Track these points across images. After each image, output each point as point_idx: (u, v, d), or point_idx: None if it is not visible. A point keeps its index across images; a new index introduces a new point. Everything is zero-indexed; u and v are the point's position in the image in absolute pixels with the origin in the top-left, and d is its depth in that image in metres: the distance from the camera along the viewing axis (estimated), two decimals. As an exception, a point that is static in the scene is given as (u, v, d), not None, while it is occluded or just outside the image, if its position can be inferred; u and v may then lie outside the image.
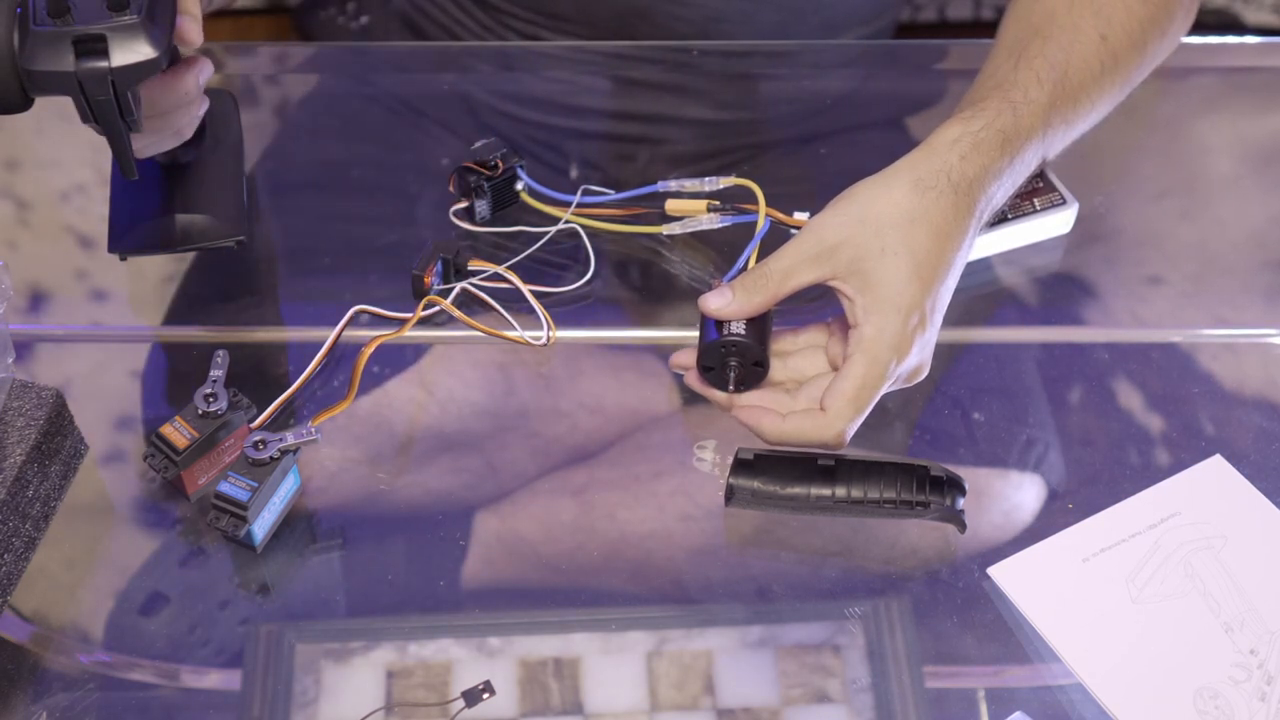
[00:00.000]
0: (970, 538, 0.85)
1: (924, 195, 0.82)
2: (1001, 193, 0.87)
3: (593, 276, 0.96)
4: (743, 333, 0.83)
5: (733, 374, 0.83)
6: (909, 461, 0.83)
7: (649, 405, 0.92)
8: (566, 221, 0.97)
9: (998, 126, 0.86)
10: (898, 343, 0.80)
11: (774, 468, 0.83)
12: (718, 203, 0.97)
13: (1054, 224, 0.99)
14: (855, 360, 0.80)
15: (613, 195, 0.98)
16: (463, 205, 0.98)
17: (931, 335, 0.83)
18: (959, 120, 0.86)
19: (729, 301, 0.82)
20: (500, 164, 0.97)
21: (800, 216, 0.96)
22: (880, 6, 1.20)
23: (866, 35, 1.20)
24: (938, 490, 0.82)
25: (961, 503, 0.83)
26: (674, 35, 1.14)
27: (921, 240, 0.82)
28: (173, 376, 0.94)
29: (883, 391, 0.81)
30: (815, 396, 0.83)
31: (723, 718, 0.79)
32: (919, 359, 0.83)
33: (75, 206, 1.05)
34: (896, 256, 0.81)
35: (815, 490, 0.83)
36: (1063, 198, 0.98)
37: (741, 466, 0.83)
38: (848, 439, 0.81)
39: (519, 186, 0.98)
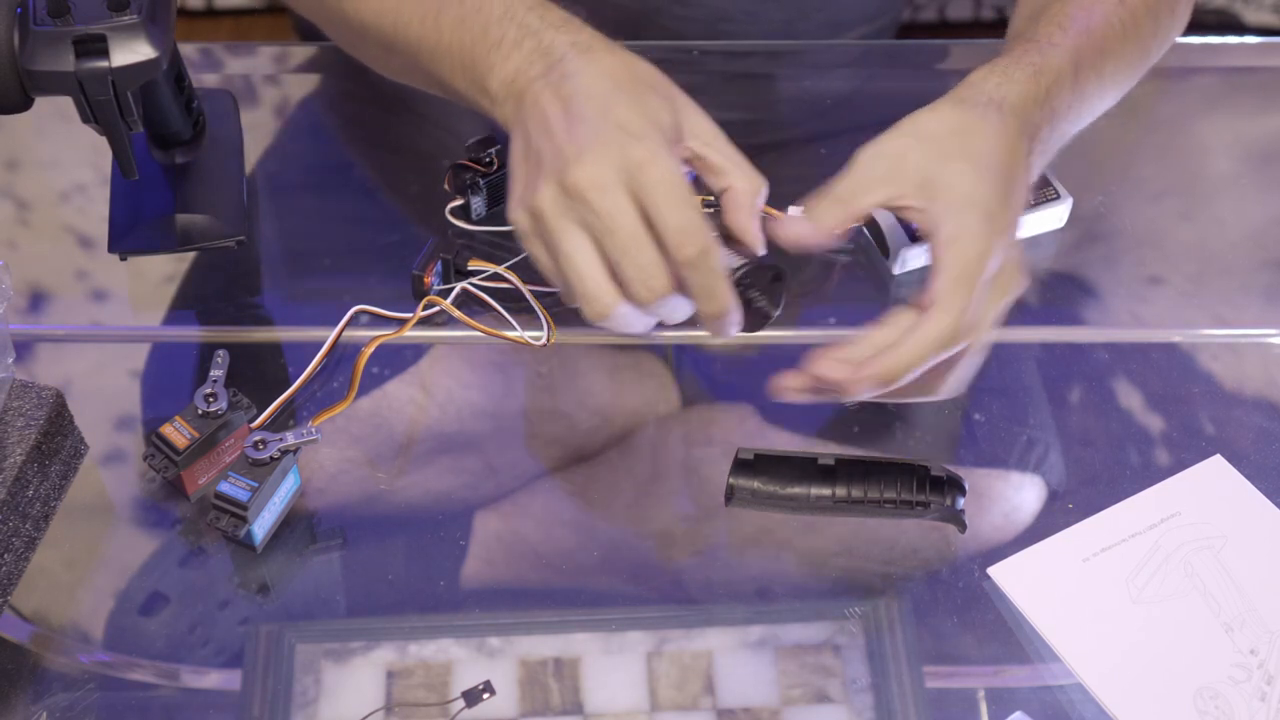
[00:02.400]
0: (970, 538, 0.85)
1: (970, 111, 0.82)
2: (1047, 126, 0.86)
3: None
4: (746, 261, 0.80)
5: (762, 301, 0.80)
6: (909, 461, 0.83)
7: (649, 405, 0.92)
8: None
9: (1026, 61, 0.85)
10: (981, 236, 0.77)
11: (774, 468, 0.83)
12: (712, 198, 0.97)
13: (1048, 219, 0.99)
14: (944, 258, 0.77)
15: None
16: (458, 203, 0.98)
17: (1012, 242, 0.80)
18: (986, 64, 0.86)
19: (804, 226, 0.80)
20: (496, 160, 0.97)
21: (794, 210, 0.96)
22: (884, 4, 1.20)
23: (870, 33, 1.20)
24: (938, 490, 0.82)
25: (962, 503, 0.83)
26: (681, 36, 1.14)
27: (979, 146, 0.81)
28: (173, 376, 0.94)
29: (981, 292, 0.77)
30: (901, 324, 0.78)
31: (723, 718, 0.79)
32: (1005, 259, 0.79)
33: (75, 206, 1.05)
34: (961, 160, 0.80)
35: (815, 490, 0.83)
36: (1056, 193, 0.98)
37: (741, 467, 0.83)
38: (970, 331, 0.77)
39: None
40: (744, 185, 0.80)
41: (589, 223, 0.75)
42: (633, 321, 0.78)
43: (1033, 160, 0.85)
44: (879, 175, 0.80)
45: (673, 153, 0.77)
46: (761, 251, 0.81)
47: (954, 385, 0.82)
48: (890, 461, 0.83)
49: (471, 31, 0.83)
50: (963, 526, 0.83)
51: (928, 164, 0.80)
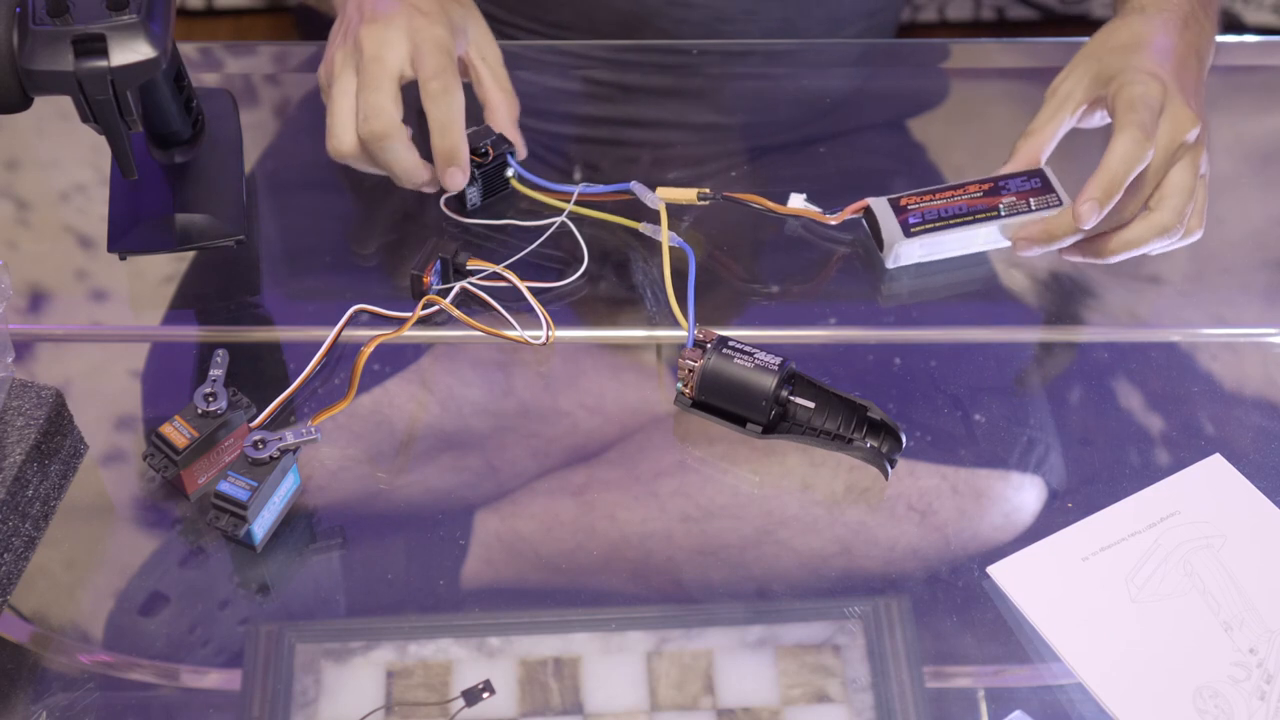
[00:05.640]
0: (970, 538, 0.85)
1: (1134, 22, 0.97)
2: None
3: (586, 269, 0.96)
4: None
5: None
6: (852, 399, 0.86)
7: (649, 405, 0.92)
8: (568, 216, 0.97)
9: None
10: (1143, 78, 0.91)
11: (744, 354, 0.86)
12: (707, 190, 0.97)
13: (1048, 220, 0.99)
14: (1116, 98, 0.92)
15: (588, 188, 0.98)
16: (453, 193, 0.98)
17: (1184, 96, 0.92)
18: None
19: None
20: (490, 150, 0.97)
21: (796, 199, 0.97)
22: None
23: (870, 28, 1.20)
24: (873, 432, 0.85)
25: (897, 451, 0.85)
26: (679, 37, 1.14)
27: (1146, 41, 0.95)
28: (173, 376, 0.94)
29: (1152, 118, 0.90)
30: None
31: (723, 718, 0.79)
32: (1177, 110, 0.91)
33: (75, 206, 1.05)
34: (1133, 52, 0.95)
35: (765, 380, 0.85)
36: (1059, 199, 0.98)
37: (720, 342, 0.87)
38: (1148, 141, 0.89)
39: (509, 173, 0.98)
40: (501, 100, 0.99)
41: (358, 67, 0.92)
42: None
43: (1194, 39, 0.97)
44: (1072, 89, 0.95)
45: (452, 32, 0.93)
46: (523, 153, 1.00)
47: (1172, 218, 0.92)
48: (836, 394, 0.86)
49: None
50: (885, 473, 0.85)
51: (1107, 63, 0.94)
